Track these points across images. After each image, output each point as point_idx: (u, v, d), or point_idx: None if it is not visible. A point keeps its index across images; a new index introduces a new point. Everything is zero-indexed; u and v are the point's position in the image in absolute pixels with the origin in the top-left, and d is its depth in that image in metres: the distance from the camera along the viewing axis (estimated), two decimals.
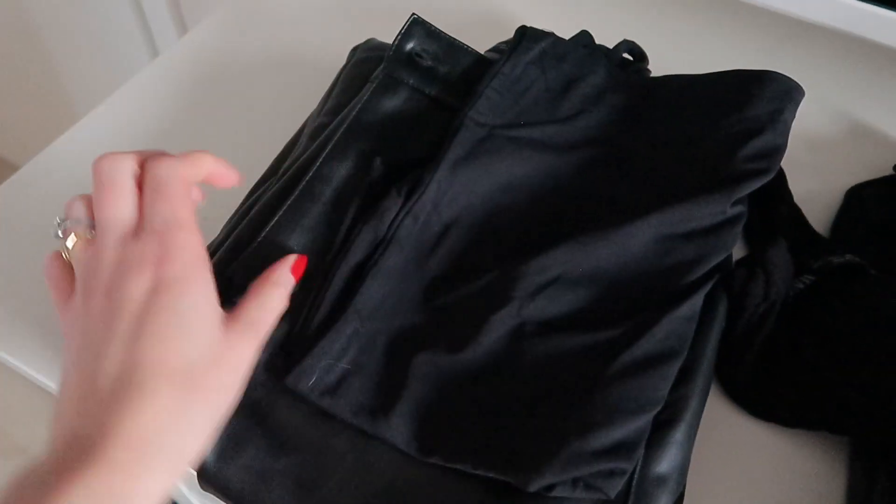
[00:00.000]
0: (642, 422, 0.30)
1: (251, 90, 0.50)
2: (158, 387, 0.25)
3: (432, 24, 0.41)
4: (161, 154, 0.29)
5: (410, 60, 0.40)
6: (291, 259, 0.32)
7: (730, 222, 0.34)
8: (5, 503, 0.23)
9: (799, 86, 0.37)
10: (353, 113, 0.38)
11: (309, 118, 0.43)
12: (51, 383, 0.38)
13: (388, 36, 0.47)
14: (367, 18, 0.56)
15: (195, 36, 0.54)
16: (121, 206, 0.28)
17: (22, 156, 1.41)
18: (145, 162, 0.29)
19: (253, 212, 0.35)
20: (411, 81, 0.39)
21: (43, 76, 1.16)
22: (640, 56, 0.45)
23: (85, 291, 0.27)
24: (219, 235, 0.37)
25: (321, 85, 0.47)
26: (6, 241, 0.42)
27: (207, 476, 0.31)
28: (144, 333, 0.25)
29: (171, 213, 0.28)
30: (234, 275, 0.33)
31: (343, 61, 0.45)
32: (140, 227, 0.28)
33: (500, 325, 0.33)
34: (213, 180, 0.31)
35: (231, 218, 0.38)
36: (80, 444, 0.24)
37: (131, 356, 0.25)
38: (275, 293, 0.30)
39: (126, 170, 0.28)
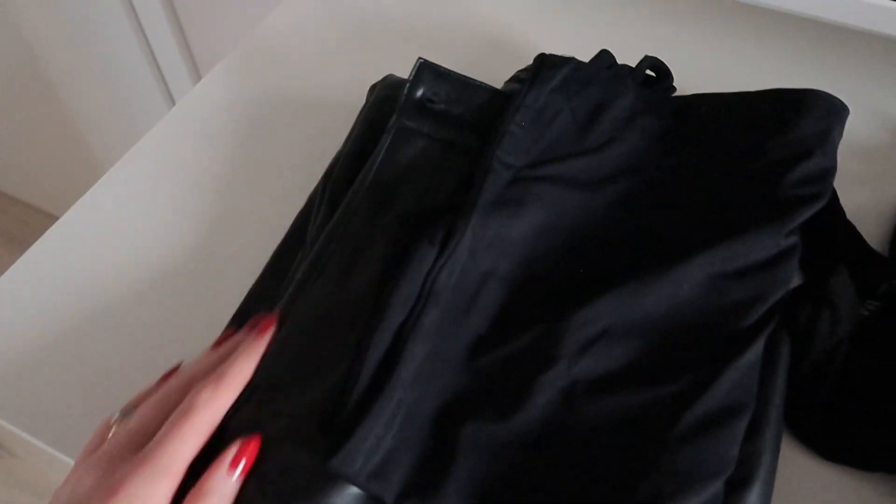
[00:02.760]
0: (715, 487, 0.28)
1: (271, 134, 0.49)
2: None
3: (440, 65, 0.39)
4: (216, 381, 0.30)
5: (422, 107, 0.38)
6: (231, 453, 0.29)
7: (785, 255, 0.32)
8: None
9: (844, 104, 0.35)
10: (372, 173, 0.36)
11: (328, 167, 0.41)
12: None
13: (404, 66, 0.45)
14: (383, 51, 0.54)
15: (209, 82, 0.53)
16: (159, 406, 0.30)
17: (48, 202, 1.42)
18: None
19: (284, 299, 0.33)
20: (425, 129, 0.37)
21: (66, 134, 1.17)
22: (664, 73, 0.42)
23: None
24: (248, 301, 0.36)
25: (342, 123, 0.45)
26: (51, 283, 0.42)
27: None
28: None
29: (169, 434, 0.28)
30: (263, 366, 0.31)
31: (362, 98, 0.43)
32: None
33: (549, 387, 0.30)
34: None
35: (252, 291, 0.37)
36: None
37: None
38: None
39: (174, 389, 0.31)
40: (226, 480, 0.28)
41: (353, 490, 0.29)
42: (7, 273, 0.43)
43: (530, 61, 0.43)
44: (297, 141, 0.48)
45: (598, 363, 0.31)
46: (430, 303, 0.31)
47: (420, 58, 0.38)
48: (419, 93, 0.37)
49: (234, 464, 0.29)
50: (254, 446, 0.29)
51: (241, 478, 0.29)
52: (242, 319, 0.36)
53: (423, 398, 0.30)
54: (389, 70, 0.44)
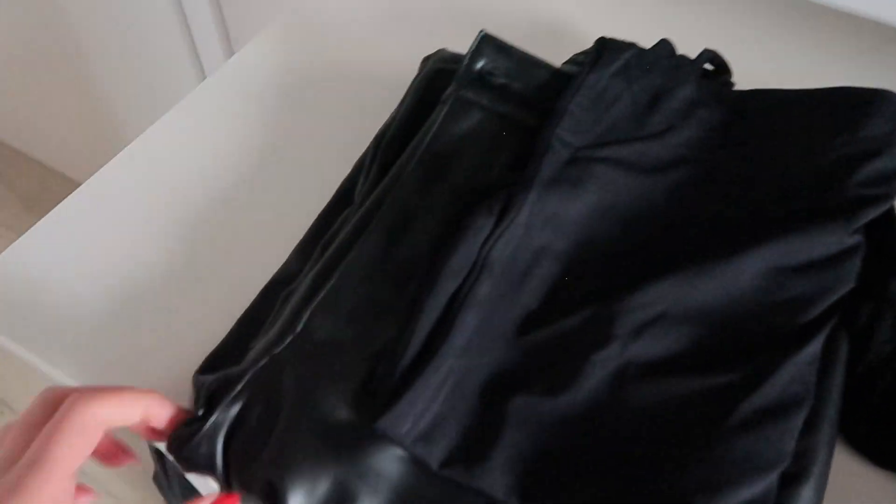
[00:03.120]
0: (770, 479, 0.27)
1: (308, 109, 0.48)
2: None
3: (502, 39, 0.38)
4: (92, 391, 0.27)
5: (482, 80, 0.37)
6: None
7: (849, 253, 0.31)
8: None
9: None
10: (426, 141, 0.36)
11: (377, 134, 0.40)
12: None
13: (453, 45, 0.44)
14: (431, 29, 0.53)
15: (244, 56, 0.52)
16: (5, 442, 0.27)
17: (70, 168, 1.41)
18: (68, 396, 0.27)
19: (332, 247, 0.33)
20: (483, 102, 0.37)
21: (91, 99, 1.17)
22: (722, 67, 0.42)
23: None
24: (290, 263, 0.35)
25: (381, 98, 0.44)
26: (68, 248, 0.41)
27: None
28: None
29: (42, 451, 0.25)
30: (314, 318, 0.30)
31: (404, 73, 0.43)
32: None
33: (600, 367, 0.30)
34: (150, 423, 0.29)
35: (303, 244, 0.36)
36: None
37: None
38: None
39: (37, 400, 0.27)
40: None
41: (397, 452, 0.29)
42: (25, 236, 0.42)
43: (583, 47, 0.43)
44: (336, 116, 0.47)
45: (653, 347, 0.30)
46: (483, 273, 0.31)
47: (482, 30, 0.37)
48: (479, 65, 0.37)
49: None
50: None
51: None
52: (284, 280, 0.35)
53: (472, 368, 0.30)
54: (437, 48, 0.44)
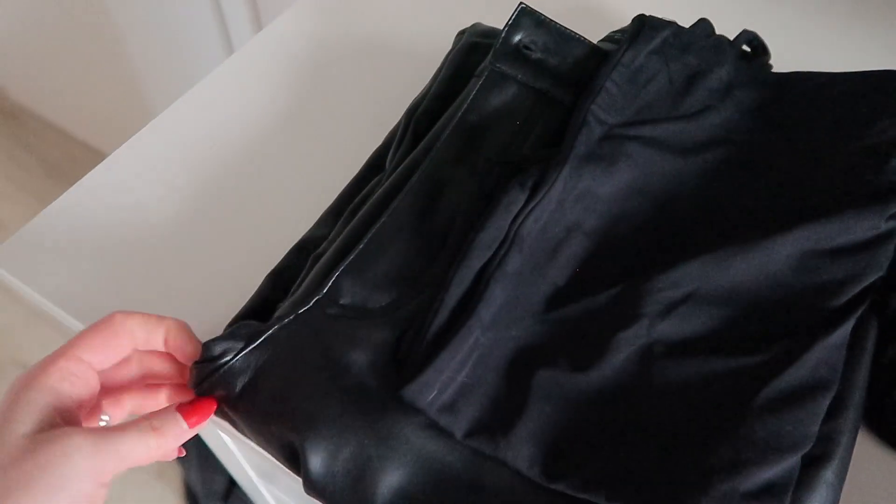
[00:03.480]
0: (793, 460, 0.27)
1: (333, 86, 0.48)
2: None
3: (541, 13, 0.38)
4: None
5: (518, 53, 0.37)
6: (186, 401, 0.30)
7: (883, 239, 0.31)
8: None
9: None
10: (460, 113, 0.35)
11: (411, 104, 0.40)
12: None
13: (482, 18, 0.44)
14: (462, 1, 0.52)
15: (273, 30, 0.51)
16: None
17: (97, 139, 1.43)
18: None
19: (359, 214, 0.33)
20: (519, 76, 0.37)
21: (118, 70, 1.17)
22: (761, 49, 0.41)
23: None
24: (320, 225, 0.35)
25: (413, 72, 0.44)
26: (99, 216, 0.42)
27: (312, 482, 0.29)
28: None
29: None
30: (342, 280, 0.30)
31: (437, 47, 0.43)
32: None
33: (627, 345, 0.30)
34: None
35: (334, 208, 0.36)
36: None
37: None
38: (139, 438, 0.28)
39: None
40: (172, 414, 0.29)
41: (421, 420, 0.29)
42: (52, 205, 0.42)
43: (620, 24, 0.42)
44: (360, 92, 0.47)
45: (681, 326, 0.30)
46: (514, 247, 0.31)
47: (521, 2, 0.37)
48: (517, 38, 0.37)
49: (183, 410, 0.29)
50: (208, 406, 0.30)
51: (193, 426, 0.29)
52: (314, 240, 0.36)
53: (499, 341, 0.30)
54: (470, 21, 0.44)
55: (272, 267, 0.36)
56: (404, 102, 0.42)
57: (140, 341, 0.30)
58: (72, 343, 0.29)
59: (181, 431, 0.29)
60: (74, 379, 0.28)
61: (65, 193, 0.43)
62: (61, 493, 0.25)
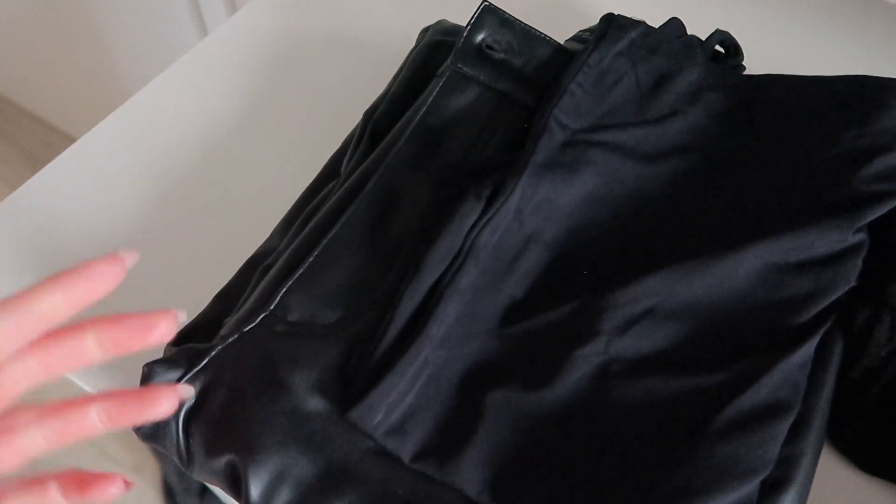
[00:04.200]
0: (751, 486, 0.26)
1: (306, 73, 0.47)
2: None
3: (505, 11, 0.36)
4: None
5: (481, 53, 0.35)
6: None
7: (851, 252, 0.30)
8: None
9: None
10: (419, 115, 0.34)
11: (371, 105, 0.39)
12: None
13: (453, 14, 0.42)
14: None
15: (246, 14, 0.50)
16: None
17: (72, 126, 1.41)
18: None
19: (310, 225, 0.32)
20: (482, 77, 0.35)
21: (92, 50, 1.15)
22: (734, 50, 0.40)
23: None
24: (273, 238, 0.34)
25: (380, 68, 0.43)
26: (66, 201, 0.41)
27: None
28: None
29: None
30: (290, 295, 0.29)
31: (405, 43, 0.41)
32: None
33: (584, 363, 0.29)
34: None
35: (287, 218, 0.35)
36: None
37: None
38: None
39: None
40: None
41: (369, 443, 0.28)
42: (22, 188, 0.42)
43: (591, 22, 0.41)
44: (333, 81, 0.46)
45: (640, 343, 0.29)
46: (468, 261, 0.30)
47: (485, 0, 0.35)
48: (479, 38, 0.35)
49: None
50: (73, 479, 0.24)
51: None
52: (265, 254, 0.34)
53: (451, 359, 0.29)
54: (438, 15, 0.42)
55: (239, 254, 0.35)
56: (370, 98, 0.40)
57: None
58: None
59: None
60: None
61: (33, 177, 0.42)
62: None
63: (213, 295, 0.34)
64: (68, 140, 1.42)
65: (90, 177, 0.42)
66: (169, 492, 1.22)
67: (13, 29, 1.25)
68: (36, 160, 1.43)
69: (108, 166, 0.42)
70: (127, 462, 1.06)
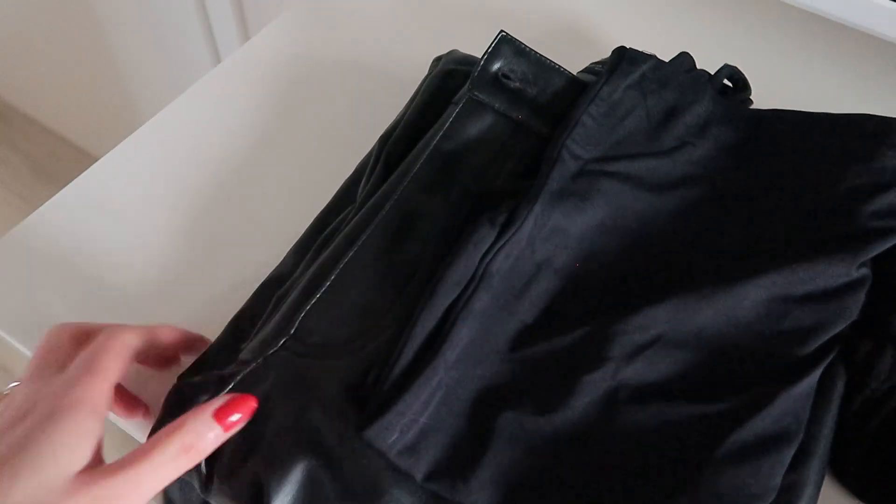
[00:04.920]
0: None
1: (318, 99, 0.48)
2: None
3: (521, 42, 0.37)
4: (118, 325, 0.30)
5: (497, 82, 0.36)
6: (219, 402, 0.28)
7: (854, 286, 0.31)
8: None
9: None
10: (435, 141, 0.35)
11: (385, 132, 0.40)
12: None
13: (465, 44, 0.44)
14: (447, 27, 0.52)
15: (259, 41, 0.51)
16: (43, 357, 0.29)
17: (81, 137, 1.42)
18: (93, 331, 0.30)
19: (330, 247, 0.33)
20: (497, 105, 0.36)
21: (107, 74, 1.17)
22: (742, 84, 0.41)
23: None
24: (286, 261, 0.35)
25: (392, 95, 0.44)
26: (83, 222, 0.42)
27: None
28: None
29: (88, 361, 0.28)
30: (309, 319, 0.30)
31: (417, 71, 0.42)
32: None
33: (592, 388, 0.29)
34: (178, 351, 0.32)
35: (301, 242, 0.36)
36: None
37: None
38: (169, 461, 0.26)
39: (63, 333, 0.30)
40: (207, 423, 0.27)
41: (384, 462, 0.28)
42: (42, 208, 0.42)
43: (602, 55, 0.42)
44: (345, 108, 0.47)
45: (647, 371, 0.30)
46: (482, 286, 0.30)
47: (502, 30, 0.36)
48: (495, 66, 0.36)
49: (221, 414, 0.28)
50: (249, 404, 0.28)
51: (229, 430, 0.28)
52: (279, 279, 0.35)
53: (463, 381, 0.30)
54: (450, 42, 0.43)
55: (254, 276, 0.36)
56: (382, 124, 0.41)
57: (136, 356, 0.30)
58: (103, 373, 0.27)
59: (216, 440, 0.27)
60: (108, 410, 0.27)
61: (50, 200, 0.43)
62: None
63: (229, 317, 0.35)
64: (76, 151, 1.43)
65: (108, 198, 0.42)
66: None
67: (24, 40, 1.27)
68: (44, 171, 1.44)
69: (126, 188, 0.43)
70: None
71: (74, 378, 0.27)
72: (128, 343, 0.29)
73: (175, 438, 0.26)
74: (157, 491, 0.26)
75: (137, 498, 0.26)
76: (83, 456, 0.26)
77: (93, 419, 0.26)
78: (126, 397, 0.33)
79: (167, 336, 0.32)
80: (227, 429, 0.28)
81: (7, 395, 0.29)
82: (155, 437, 0.27)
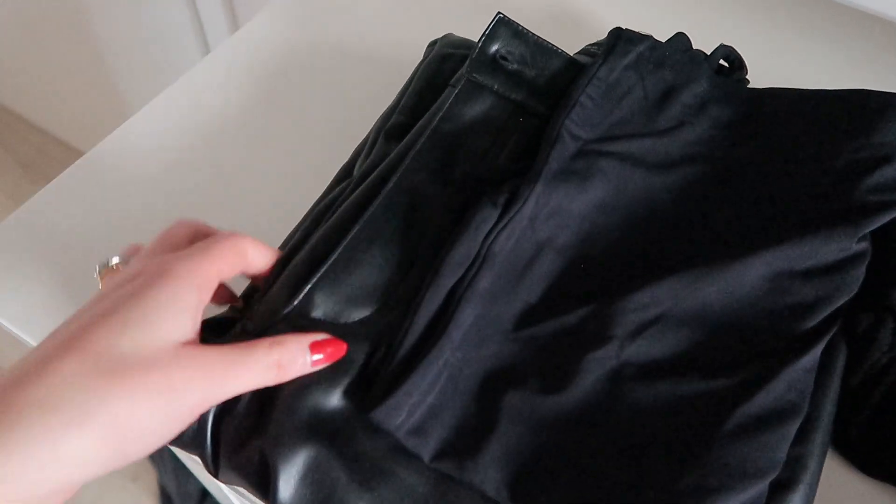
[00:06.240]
0: (761, 486, 0.27)
1: (310, 88, 0.47)
2: (65, 361, 0.24)
3: (519, 24, 0.37)
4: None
5: (495, 64, 0.36)
6: (318, 336, 0.29)
7: (855, 260, 0.31)
8: None
9: None
10: (434, 122, 0.35)
11: (381, 116, 0.39)
12: None
13: (459, 28, 0.43)
14: (434, 11, 0.52)
15: (249, 31, 0.51)
16: (159, 242, 0.30)
17: (68, 134, 1.40)
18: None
19: (329, 222, 0.32)
20: (495, 87, 0.36)
21: (94, 68, 1.16)
22: (738, 64, 0.41)
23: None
24: (292, 237, 0.35)
25: (385, 83, 0.43)
26: (71, 216, 0.41)
27: None
28: (99, 313, 0.25)
29: (205, 245, 0.28)
30: (314, 293, 0.30)
31: (410, 57, 0.42)
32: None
33: (597, 367, 0.30)
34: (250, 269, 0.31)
35: (304, 221, 0.36)
36: None
37: (67, 329, 0.25)
38: (263, 368, 0.27)
39: (183, 226, 0.31)
40: (303, 350, 0.28)
41: (390, 442, 0.28)
42: (27, 203, 0.42)
43: (598, 37, 0.42)
44: (337, 95, 0.47)
45: (651, 348, 0.30)
46: (485, 266, 0.30)
47: (499, 12, 0.36)
48: (493, 48, 0.36)
49: (316, 347, 0.28)
50: (341, 349, 0.29)
51: (314, 365, 0.28)
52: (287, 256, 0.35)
53: (469, 360, 0.30)
54: (442, 28, 0.43)
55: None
56: (375, 110, 0.41)
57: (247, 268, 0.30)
58: (215, 258, 0.28)
59: (301, 369, 0.28)
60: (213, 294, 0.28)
61: (37, 193, 0.42)
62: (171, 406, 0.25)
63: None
64: (64, 148, 1.42)
65: (95, 192, 0.42)
66: (167, 499, 1.22)
67: (11, 37, 1.25)
68: (31, 167, 1.43)
69: (114, 181, 0.42)
70: (125, 470, 1.06)
71: (187, 255, 0.27)
72: (244, 246, 0.29)
73: (275, 351, 0.27)
74: (237, 393, 0.27)
75: (223, 387, 0.26)
76: (184, 325, 0.26)
77: (194, 295, 0.26)
78: (226, 295, 0.33)
79: (263, 266, 0.31)
80: (312, 364, 0.28)
81: (115, 267, 0.31)
82: (256, 342, 0.27)
